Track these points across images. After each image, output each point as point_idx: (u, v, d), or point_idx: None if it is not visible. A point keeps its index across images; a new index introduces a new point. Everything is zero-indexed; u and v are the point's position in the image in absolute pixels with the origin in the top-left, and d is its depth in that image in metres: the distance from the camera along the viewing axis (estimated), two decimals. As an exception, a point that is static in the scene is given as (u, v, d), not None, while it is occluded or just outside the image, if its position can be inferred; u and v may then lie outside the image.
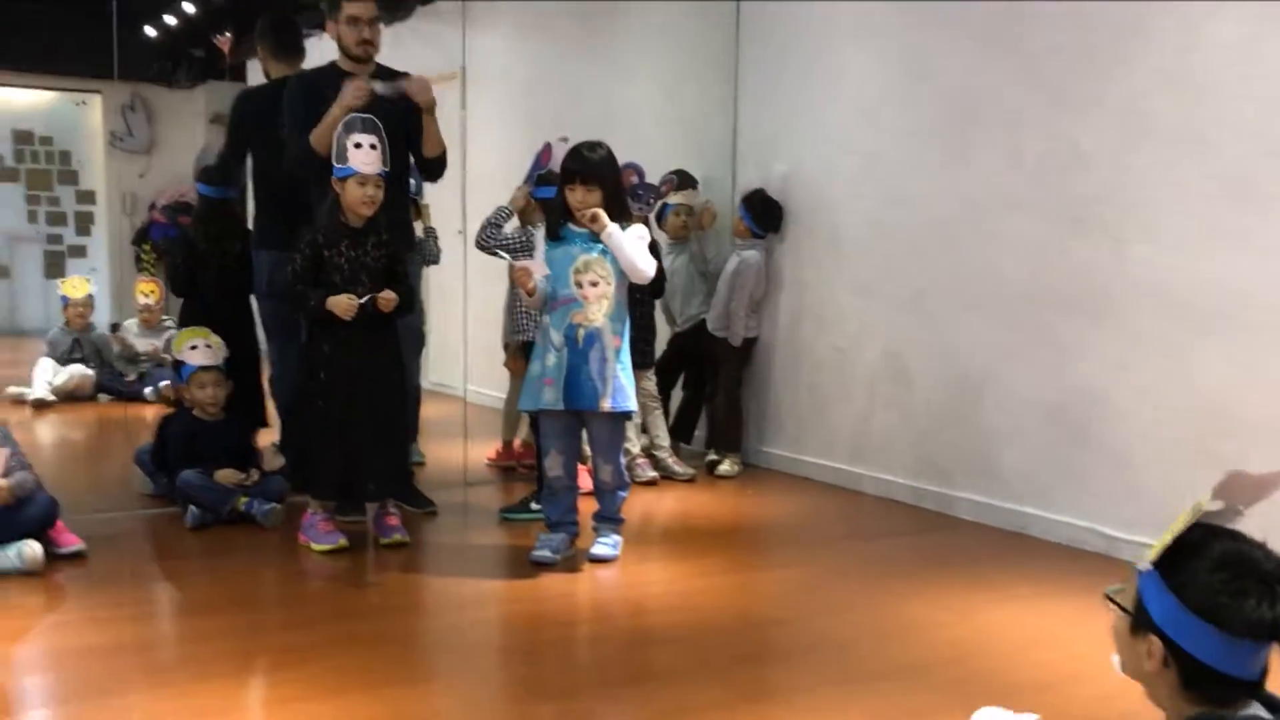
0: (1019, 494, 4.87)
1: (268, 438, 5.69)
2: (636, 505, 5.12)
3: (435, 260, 6.01)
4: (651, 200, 5.66)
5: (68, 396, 7.83)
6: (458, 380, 7.21)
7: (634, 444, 5.70)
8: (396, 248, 4.38)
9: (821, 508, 5.32)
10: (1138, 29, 4.37)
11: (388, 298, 4.23)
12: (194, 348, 4.88)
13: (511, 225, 5.09)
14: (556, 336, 4.10)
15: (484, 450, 6.14)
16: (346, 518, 4.68)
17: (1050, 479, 4.74)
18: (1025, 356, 4.83)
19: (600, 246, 4.07)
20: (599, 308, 4.08)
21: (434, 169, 4.77)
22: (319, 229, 4.25)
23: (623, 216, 4.14)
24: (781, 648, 3.44)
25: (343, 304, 4.16)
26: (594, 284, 4.09)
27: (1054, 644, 3.46)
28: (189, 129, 9.32)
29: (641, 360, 5.23)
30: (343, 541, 4.37)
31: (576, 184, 4.07)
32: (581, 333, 4.07)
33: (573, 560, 4.27)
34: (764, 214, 5.94)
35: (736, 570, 4.23)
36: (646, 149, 6.04)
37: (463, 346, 6.29)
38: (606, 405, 4.07)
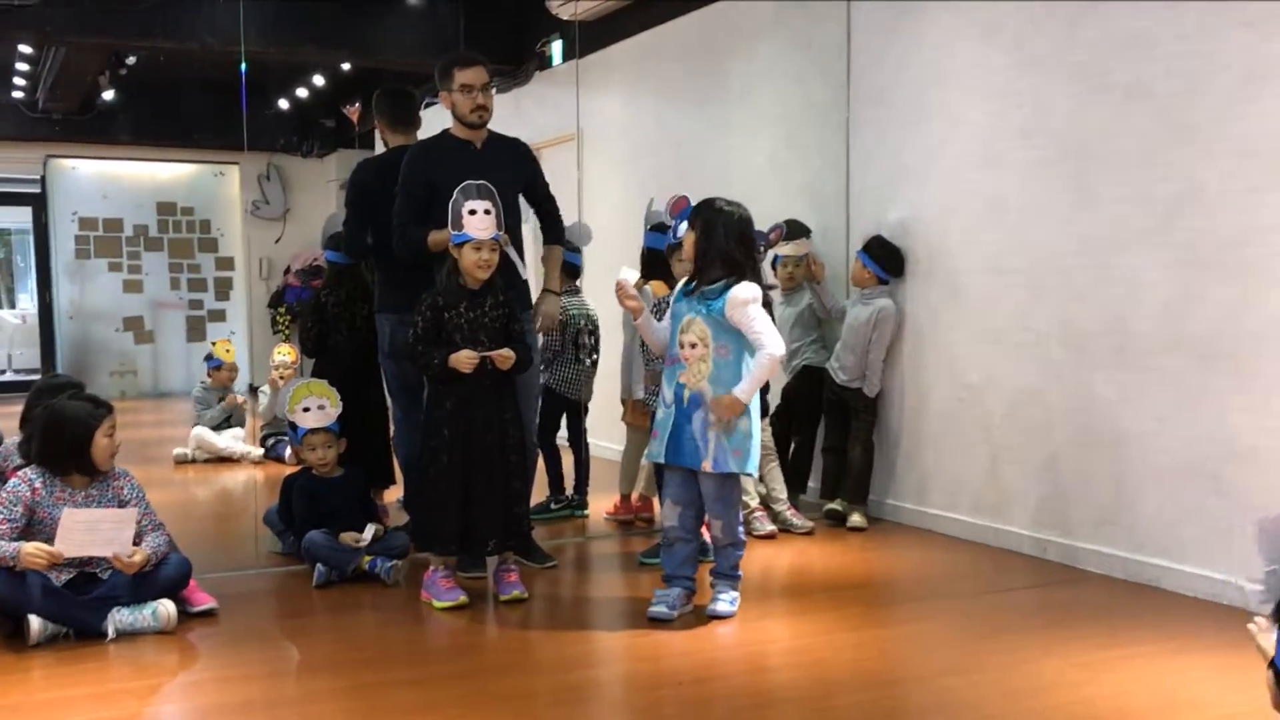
0: (1150, 546, 4.72)
1: (394, 494, 5.72)
2: (755, 560, 5.04)
3: (593, 353, 6.09)
4: (761, 249, 5.56)
5: (225, 456, 8.05)
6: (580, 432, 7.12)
7: (752, 497, 5.61)
8: (513, 308, 4.44)
9: (946, 561, 5.21)
10: (1266, 66, 4.19)
11: (505, 355, 4.28)
12: (306, 409, 4.91)
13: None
14: (668, 392, 4.14)
15: (604, 504, 6.11)
16: (467, 574, 4.69)
17: (1184, 530, 4.58)
18: (1155, 404, 4.68)
19: (702, 308, 4.06)
20: (698, 371, 4.07)
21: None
22: (439, 291, 4.34)
23: (714, 264, 4.09)
24: (907, 709, 3.33)
25: (464, 359, 4.22)
26: (692, 345, 4.09)
27: (1197, 704, 3.29)
28: (322, 196, 9.51)
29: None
30: (463, 598, 4.37)
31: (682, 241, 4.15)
32: (686, 393, 4.08)
33: (690, 616, 4.22)
34: (888, 258, 5.86)
35: (859, 627, 4.14)
36: (760, 201, 6.00)
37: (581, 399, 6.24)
38: (708, 466, 4.06)
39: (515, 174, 4.71)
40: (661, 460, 4.12)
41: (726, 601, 4.22)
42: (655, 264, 5.19)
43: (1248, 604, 4.26)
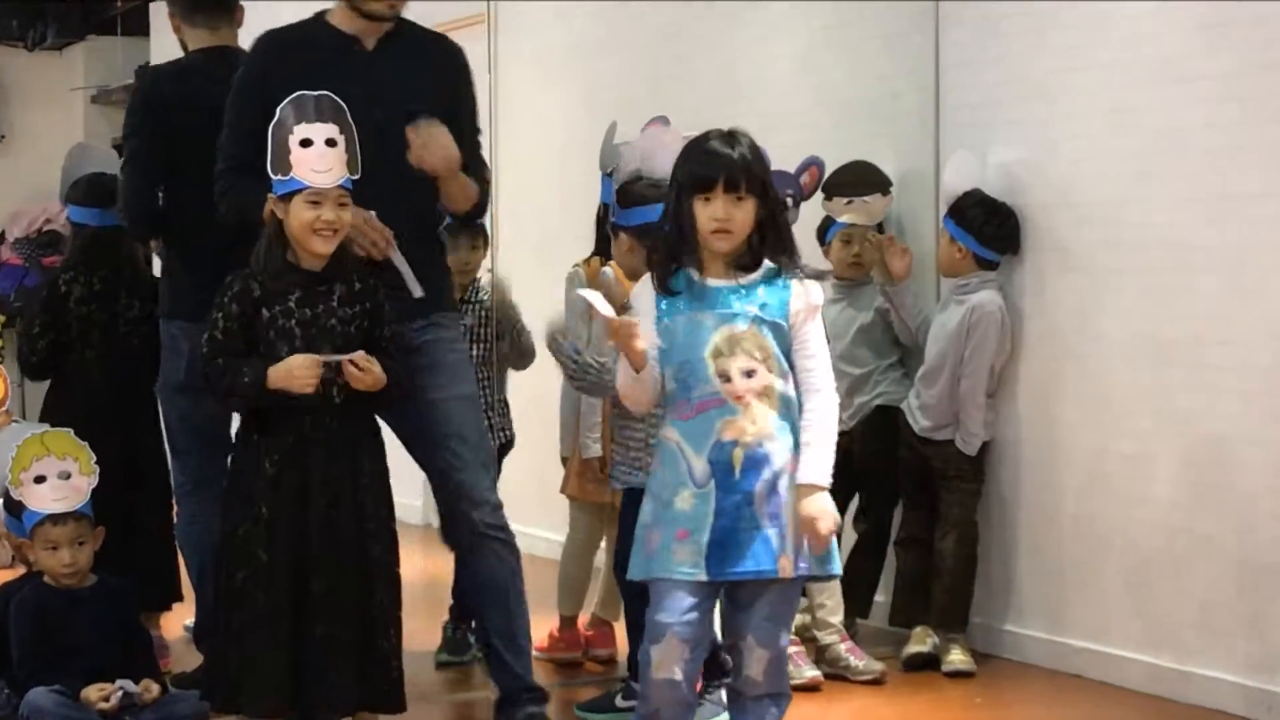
0: None
1: (178, 620, 5.69)
2: None
3: (527, 356, 6.19)
4: (791, 201, 5.59)
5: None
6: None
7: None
8: (377, 304, 4.51)
9: None
10: None
11: (360, 364, 4.31)
12: (40, 479, 4.86)
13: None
14: (699, 464, 4.08)
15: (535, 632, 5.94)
16: None
17: None
18: None
19: (750, 308, 4.13)
20: (759, 416, 4.06)
21: (469, 218, 5.17)
22: (252, 274, 4.41)
23: (783, 250, 4.20)
24: None
25: (297, 371, 4.27)
26: (748, 373, 4.08)
27: None
28: (61, 112, 9.56)
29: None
30: None
31: (716, 194, 4.09)
32: (740, 454, 4.04)
33: None
34: (991, 226, 5.92)
35: None
36: (780, 130, 6.04)
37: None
38: (788, 568, 4.08)
39: (428, 93, 4.76)
40: (703, 576, 4.07)
41: None
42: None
43: None
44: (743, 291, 4.15)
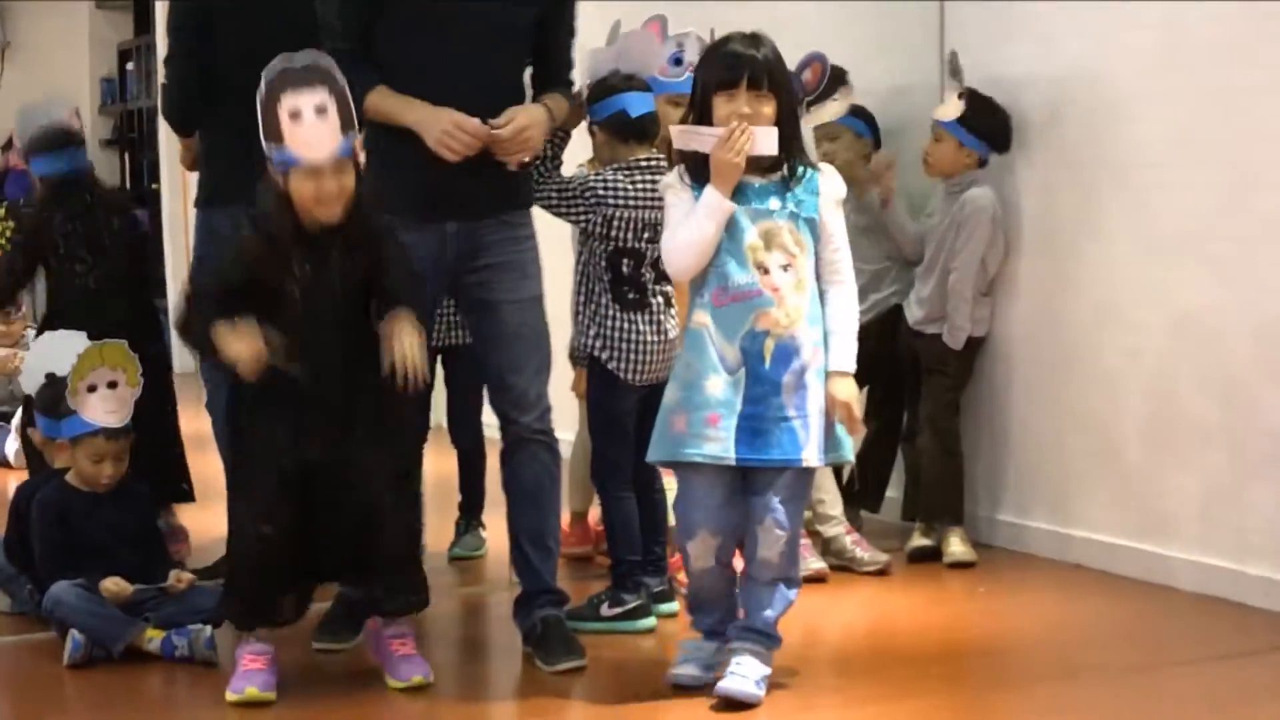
0: None
1: (201, 517, 5.73)
2: (795, 615, 4.92)
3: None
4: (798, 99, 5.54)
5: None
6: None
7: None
8: (378, 244, 4.40)
9: (1104, 615, 5.27)
10: None
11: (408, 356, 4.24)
12: (92, 389, 4.88)
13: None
14: (730, 350, 4.20)
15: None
16: (327, 645, 4.77)
17: None
18: None
19: (786, 205, 4.26)
20: (796, 303, 4.22)
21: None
22: (263, 217, 4.33)
23: (801, 148, 4.34)
24: None
25: (241, 365, 4.18)
26: (785, 266, 4.23)
27: None
28: (63, 19, 9.42)
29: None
30: (262, 694, 4.31)
31: (739, 91, 4.21)
32: (771, 344, 4.18)
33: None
34: (985, 120, 5.88)
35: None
36: (790, 38, 5.81)
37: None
38: (814, 457, 4.23)
39: None
40: (732, 460, 4.20)
41: (749, 679, 4.25)
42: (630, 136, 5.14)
43: None
44: (775, 187, 4.27)
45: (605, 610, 5.00)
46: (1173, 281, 5.49)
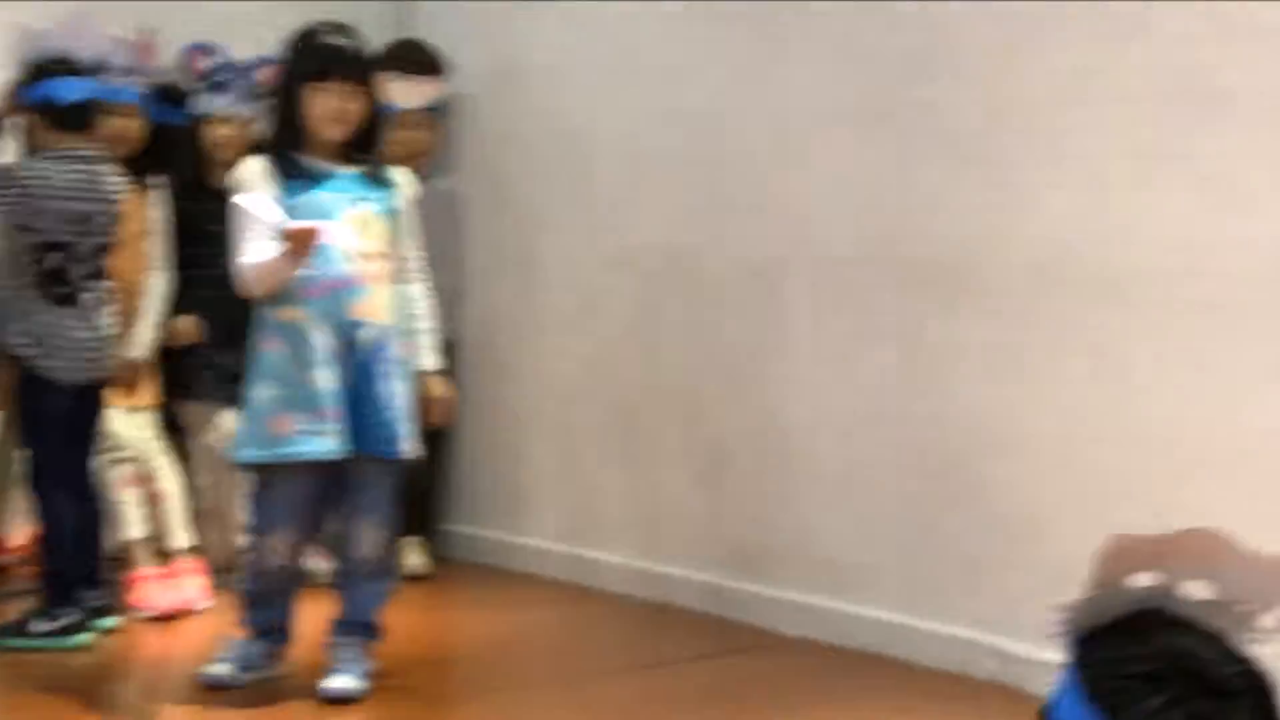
0: (867, 593, 4.95)
1: None
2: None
3: None
4: (242, 92, 5.54)
5: None
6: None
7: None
8: None
9: (552, 622, 5.40)
10: None
11: None
12: None
13: None
14: (328, 342, 4.23)
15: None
16: None
17: (913, 569, 4.83)
18: (870, 368, 4.90)
19: (375, 195, 4.37)
20: (382, 300, 4.32)
21: None
22: None
23: (382, 141, 4.52)
24: None
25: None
26: (377, 255, 4.34)
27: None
28: None
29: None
30: None
31: (331, 84, 4.30)
32: (366, 335, 4.27)
33: (275, 686, 4.36)
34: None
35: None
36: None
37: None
38: (409, 449, 4.36)
39: None
40: (335, 456, 4.25)
41: (353, 675, 4.33)
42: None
43: (1002, 674, 4.48)
44: (363, 179, 4.38)
45: (35, 626, 4.83)
46: (613, 289, 5.66)
